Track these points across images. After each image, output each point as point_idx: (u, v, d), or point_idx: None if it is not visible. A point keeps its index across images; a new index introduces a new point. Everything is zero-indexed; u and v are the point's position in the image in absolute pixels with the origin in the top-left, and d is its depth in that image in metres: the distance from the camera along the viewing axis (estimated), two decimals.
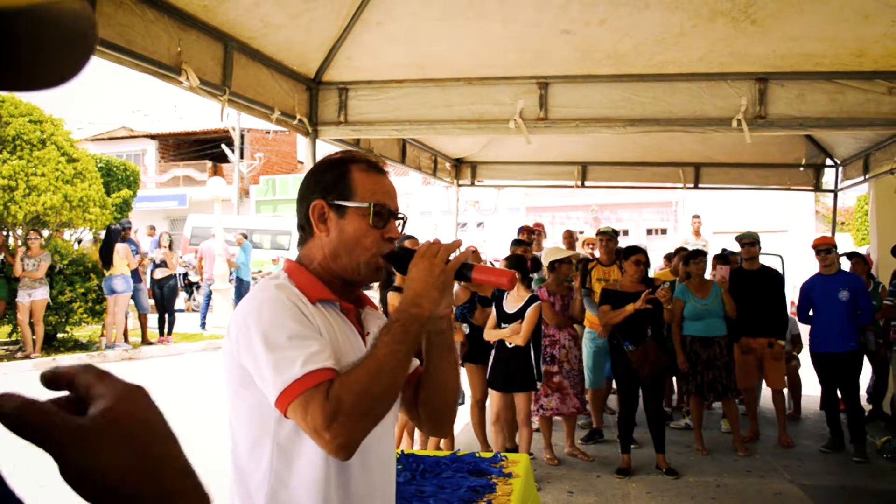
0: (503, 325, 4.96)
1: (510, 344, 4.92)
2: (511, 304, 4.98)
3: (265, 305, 1.29)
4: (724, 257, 6.64)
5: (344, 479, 1.32)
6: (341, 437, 1.18)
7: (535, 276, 6.51)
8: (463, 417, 5.19)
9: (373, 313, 1.51)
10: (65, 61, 0.52)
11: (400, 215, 1.44)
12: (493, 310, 5.05)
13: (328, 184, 1.40)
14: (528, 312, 4.85)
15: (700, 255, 6.13)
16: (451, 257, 1.35)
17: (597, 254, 6.69)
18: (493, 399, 5.08)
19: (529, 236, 7.25)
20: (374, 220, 1.38)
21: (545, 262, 6.04)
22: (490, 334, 4.99)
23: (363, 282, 1.44)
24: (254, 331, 1.26)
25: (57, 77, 0.52)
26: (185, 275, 16.94)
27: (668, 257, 7.71)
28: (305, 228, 1.43)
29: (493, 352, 5.06)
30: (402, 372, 1.27)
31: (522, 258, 5.35)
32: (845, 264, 6.67)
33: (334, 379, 1.21)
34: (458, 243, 1.38)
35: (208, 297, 13.95)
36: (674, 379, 6.74)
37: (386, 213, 1.40)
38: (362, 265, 1.39)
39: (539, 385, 5.08)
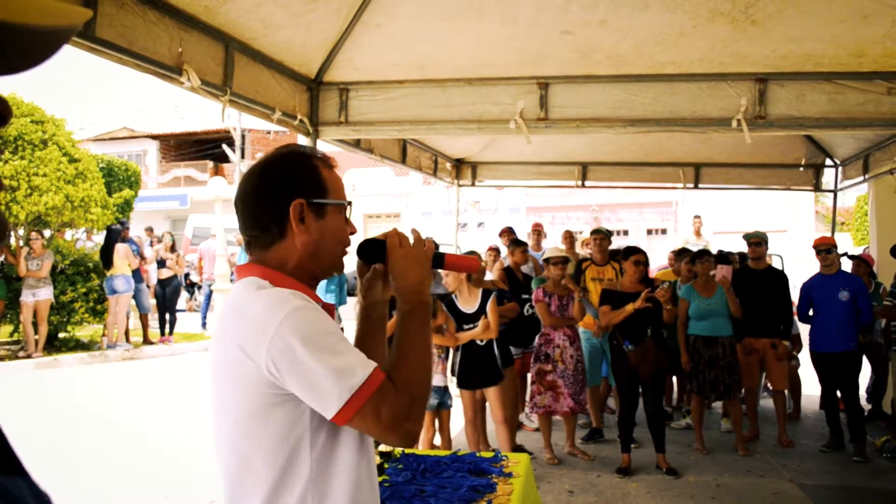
0: (465, 328, 4.91)
1: (482, 342, 4.90)
2: (466, 304, 4.92)
3: (299, 315, 1.20)
4: (723, 257, 6.65)
5: (369, 470, 1.35)
6: (417, 424, 1.24)
7: (524, 269, 6.54)
8: (460, 418, 5.19)
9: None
10: (40, 56, 0.53)
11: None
12: (449, 316, 4.92)
13: (304, 183, 1.34)
14: (490, 305, 4.85)
15: (706, 254, 6.13)
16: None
17: None
18: (464, 399, 5.04)
19: (509, 237, 7.26)
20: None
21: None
22: (463, 336, 4.90)
23: (330, 276, 1.47)
24: (296, 346, 1.18)
25: (26, 67, 0.53)
26: (187, 275, 16.95)
27: (677, 254, 7.52)
28: (272, 230, 1.33)
29: (458, 352, 5.01)
30: (432, 356, 1.36)
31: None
32: (848, 265, 6.66)
33: (389, 375, 1.24)
34: (416, 232, 1.44)
35: (209, 296, 13.97)
36: (674, 378, 6.74)
37: (350, 207, 1.43)
38: (338, 260, 1.41)
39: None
